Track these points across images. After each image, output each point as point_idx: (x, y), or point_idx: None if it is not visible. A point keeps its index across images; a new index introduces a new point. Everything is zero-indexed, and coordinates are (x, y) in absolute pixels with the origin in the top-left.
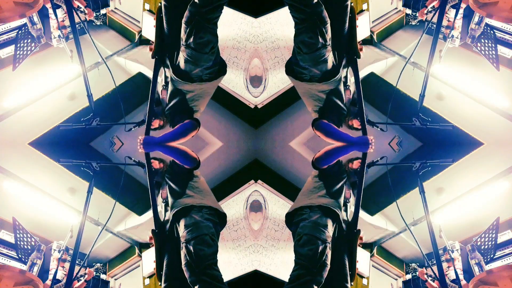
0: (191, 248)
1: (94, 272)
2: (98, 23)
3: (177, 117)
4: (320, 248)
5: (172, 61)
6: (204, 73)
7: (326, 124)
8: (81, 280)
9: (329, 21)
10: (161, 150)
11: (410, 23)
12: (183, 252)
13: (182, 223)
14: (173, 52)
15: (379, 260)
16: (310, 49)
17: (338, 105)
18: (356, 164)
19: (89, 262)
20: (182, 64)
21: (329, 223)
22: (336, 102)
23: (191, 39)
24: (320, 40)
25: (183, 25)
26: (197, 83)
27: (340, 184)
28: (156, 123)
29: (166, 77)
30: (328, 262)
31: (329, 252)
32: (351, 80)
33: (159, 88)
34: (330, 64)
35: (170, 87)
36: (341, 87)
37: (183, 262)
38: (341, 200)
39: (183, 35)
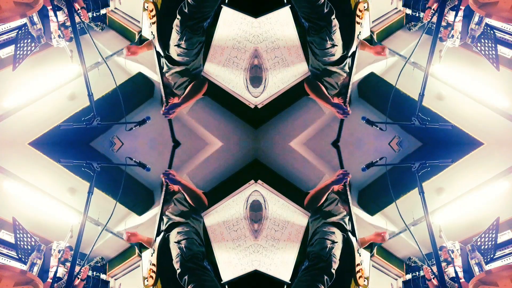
0: (182, 245)
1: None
2: (97, 30)
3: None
4: (329, 245)
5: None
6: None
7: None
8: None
9: (337, 26)
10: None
11: (411, 28)
12: (175, 250)
13: (175, 230)
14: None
15: (379, 260)
16: (321, 47)
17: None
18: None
19: (89, 262)
20: (176, 58)
21: (336, 230)
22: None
23: (183, 42)
24: (329, 42)
25: (174, 32)
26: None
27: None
28: (175, 99)
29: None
30: (336, 257)
31: (337, 250)
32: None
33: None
34: (336, 57)
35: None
36: (335, 69)
37: (174, 258)
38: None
39: (176, 37)
